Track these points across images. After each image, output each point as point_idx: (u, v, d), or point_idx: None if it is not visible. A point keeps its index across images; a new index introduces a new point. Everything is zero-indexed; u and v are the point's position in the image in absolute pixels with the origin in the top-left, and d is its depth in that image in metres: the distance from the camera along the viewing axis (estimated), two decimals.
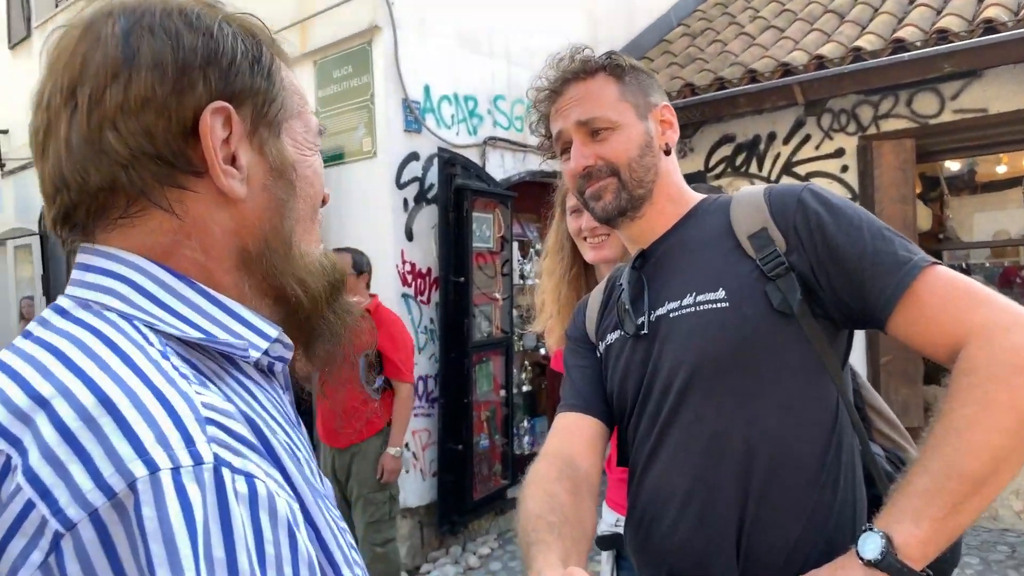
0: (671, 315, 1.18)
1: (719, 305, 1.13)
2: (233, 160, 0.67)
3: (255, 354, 0.66)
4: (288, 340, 0.72)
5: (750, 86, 5.29)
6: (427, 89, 4.88)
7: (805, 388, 1.10)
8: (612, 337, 1.31)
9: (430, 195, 4.88)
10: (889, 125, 5.10)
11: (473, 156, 5.17)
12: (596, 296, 1.43)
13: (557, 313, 2.02)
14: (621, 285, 1.32)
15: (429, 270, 4.92)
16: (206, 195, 0.66)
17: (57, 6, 7.87)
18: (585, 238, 1.92)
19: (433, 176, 4.88)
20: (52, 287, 8.28)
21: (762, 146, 5.67)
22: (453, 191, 4.87)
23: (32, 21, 8.48)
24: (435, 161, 4.89)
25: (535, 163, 5.68)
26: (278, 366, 0.72)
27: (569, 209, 1.97)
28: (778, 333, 1.10)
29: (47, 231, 7.37)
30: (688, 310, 1.16)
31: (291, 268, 0.71)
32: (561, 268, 2.03)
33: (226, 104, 0.65)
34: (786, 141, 5.55)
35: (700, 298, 1.15)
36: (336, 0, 4.80)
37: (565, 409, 1.32)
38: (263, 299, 0.71)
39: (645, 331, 1.21)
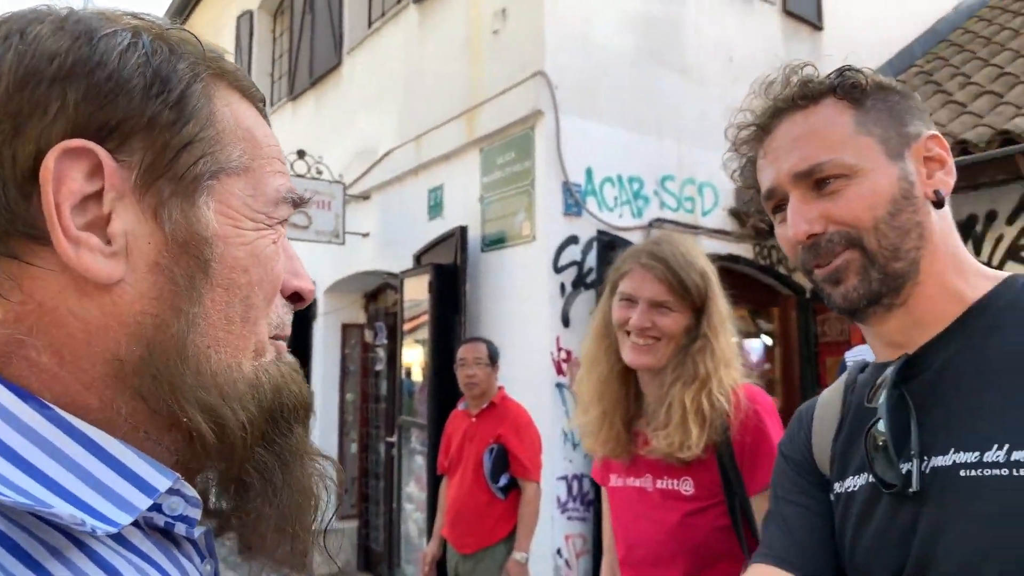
0: (961, 473, 0.78)
1: None
2: (107, 225, 0.47)
3: (121, 519, 0.45)
4: (192, 492, 0.50)
5: (963, 158, 4.61)
6: (589, 172, 4.74)
7: None
8: (856, 483, 0.92)
9: (588, 279, 4.66)
10: None
11: (637, 239, 4.90)
12: (827, 407, 1.04)
13: (603, 415, 1.65)
14: (871, 407, 0.91)
15: None
16: (60, 273, 0.46)
17: None
18: (628, 333, 1.58)
19: (592, 260, 4.67)
20: None
21: (979, 227, 4.89)
22: None
23: None
24: (594, 244, 4.68)
25: (708, 246, 5.30)
26: (181, 527, 0.50)
27: (620, 294, 1.62)
28: None
29: None
30: (994, 472, 0.75)
31: (187, 388, 0.49)
32: (608, 359, 1.66)
33: (88, 145, 0.46)
34: (1009, 221, 4.75)
35: (1019, 455, 0.74)
36: (501, 88, 4.86)
37: (768, 560, 0.97)
38: (159, 431, 0.50)
39: (914, 488, 0.81)
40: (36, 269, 0.46)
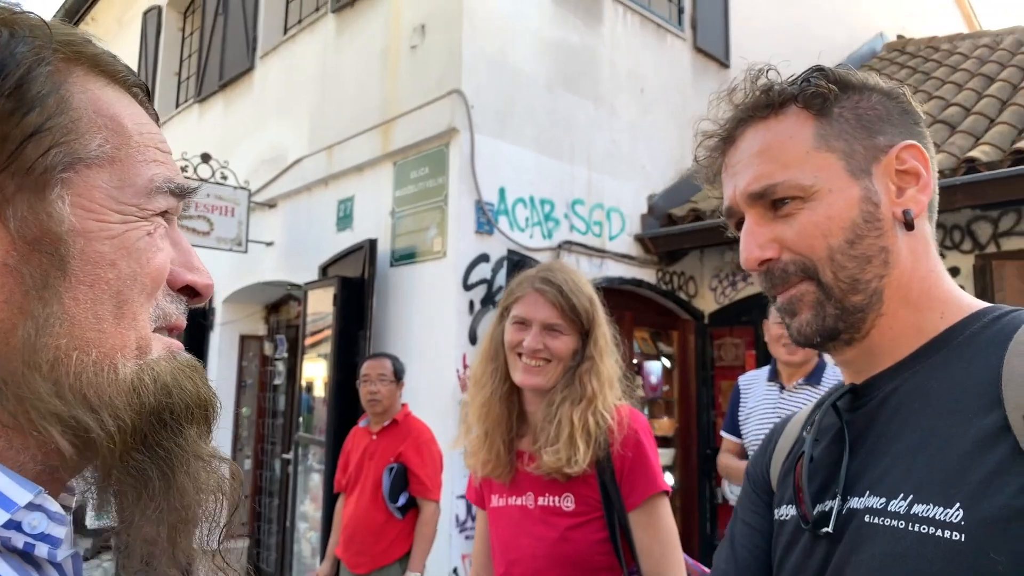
0: (866, 518, 0.72)
1: (946, 535, 0.65)
2: None
3: None
4: (56, 508, 0.46)
5: None
6: (502, 191, 4.78)
7: None
8: (787, 512, 0.87)
9: (497, 298, 4.68)
10: (1012, 244, 4.57)
11: (546, 259, 4.97)
12: (794, 425, 0.99)
13: (484, 435, 1.68)
14: (809, 428, 0.86)
15: None
16: None
17: None
18: (520, 355, 1.63)
19: (502, 278, 4.69)
20: None
21: None
22: None
23: None
24: (504, 263, 4.71)
25: (614, 270, 5.43)
26: (43, 549, 0.46)
27: (513, 318, 1.67)
28: None
29: None
30: (893, 523, 0.69)
31: (39, 398, 0.45)
32: (493, 382, 1.70)
33: None
34: None
35: (919, 509, 0.68)
36: (418, 103, 4.84)
37: None
38: (22, 440, 0.46)
39: (829, 529, 0.76)
40: None
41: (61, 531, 0.47)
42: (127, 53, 9.18)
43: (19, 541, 0.45)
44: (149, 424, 0.50)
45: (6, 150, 0.45)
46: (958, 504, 0.65)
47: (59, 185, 0.47)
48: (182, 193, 0.55)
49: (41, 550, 0.46)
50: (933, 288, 0.80)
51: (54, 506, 0.46)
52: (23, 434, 0.46)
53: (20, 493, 0.44)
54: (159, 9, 9.07)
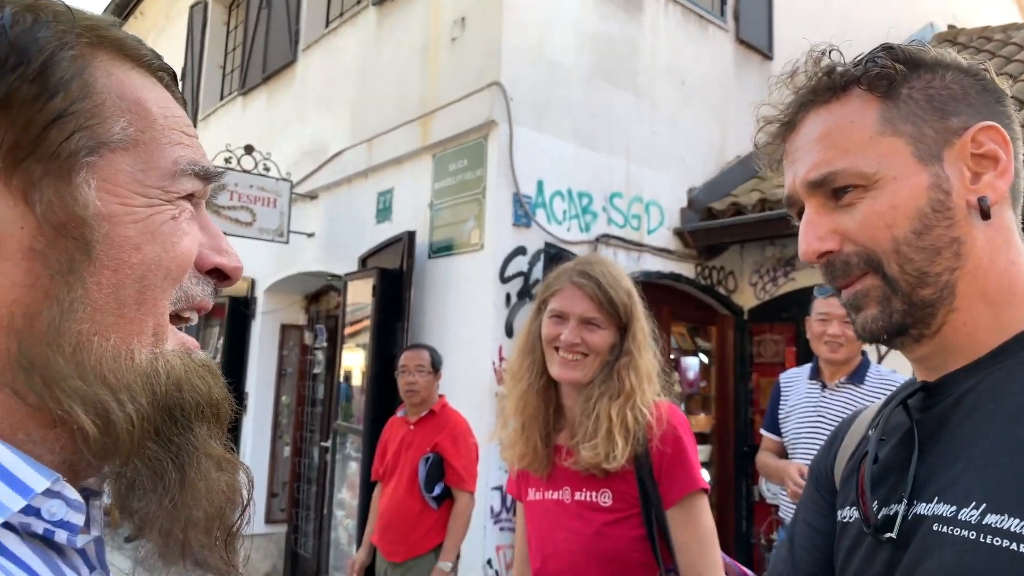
0: (935, 527, 0.68)
1: (1021, 549, 0.60)
2: None
3: None
4: (74, 495, 0.46)
5: None
6: (540, 184, 4.77)
7: None
8: (850, 514, 0.83)
9: (534, 291, 4.67)
10: None
11: (584, 252, 4.95)
12: (862, 422, 0.93)
13: (521, 428, 1.68)
14: (876, 426, 0.81)
15: None
16: None
17: None
18: (557, 348, 1.62)
19: (539, 271, 4.69)
20: None
21: None
22: None
23: None
24: (541, 256, 4.71)
25: (652, 263, 5.39)
26: (62, 535, 0.46)
27: (551, 311, 1.66)
28: None
29: None
30: (963, 533, 0.65)
31: (64, 380, 0.46)
32: (530, 375, 1.70)
33: None
34: None
35: (992, 519, 0.63)
36: (457, 95, 4.86)
37: None
38: (41, 428, 0.47)
39: (892, 535, 0.72)
40: None
41: (79, 518, 0.47)
42: (174, 46, 9.37)
43: (38, 527, 0.46)
44: (161, 416, 0.50)
45: (31, 135, 0.46)
46: None
47: (84, 169, 0.48)
48: (207, 176, 0.55)
49: (60, 536, 0.47)
50: (1016, 283, 0.74)
51: (72, 493, 0.47)
52: (43, 426, 0.47)
53: (38, 480, 0.45)
54: (205, 3, 9.23)
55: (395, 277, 4.96)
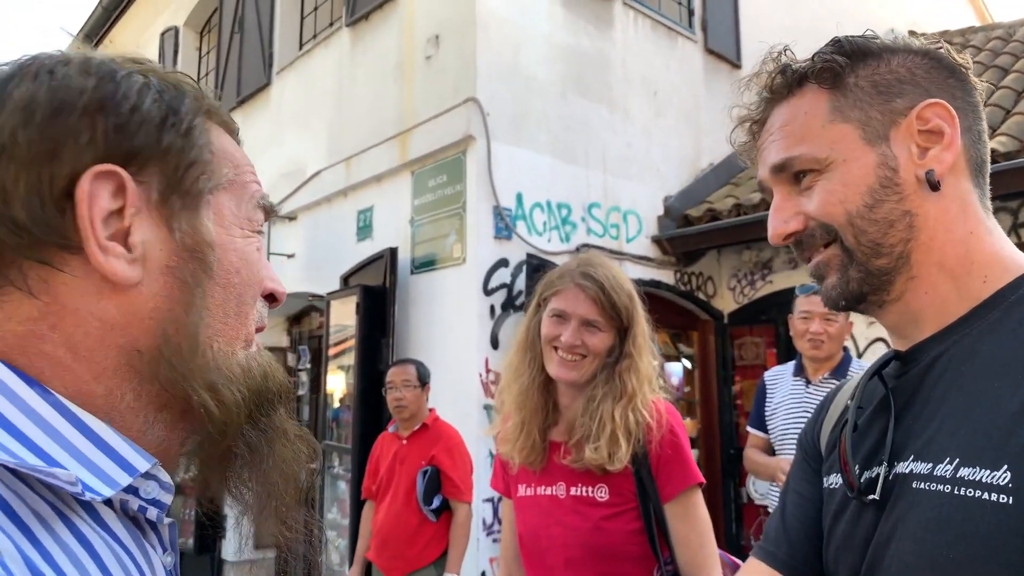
0: (914, 484, 0.72)
1: (993, 498, 0.64)
2: (126, 236, 0.54)
3: (105, 491, 0.50)
4: (166, 478, 0.55)
5: None
6: (519, 197, 4.82)
7: None
8: (835, 481, 0.87)
9: (517, 302, 4.72)
10: None
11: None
12: (845, 392, 0.99)
13: (521, 423, 1.70)
14: (855, 397, 0.87)
15: None
16: (84, 278, 0.53)
17: None
18: (556, 348, 1.65)
19: (521, 283, 4.74)
20: None
21: None
22: None
23: None
24: (524, 267, 4.76)
25: (632, 272, 5.45)
26: (153, 512, 0.55)
27: (552, 310, 1.67)
28: None
29: None
30: (939, 487, 0.69)
31: (197, 370, 0.57)
32: (531, 371, 1.72)
33: (116, 169, 0.53)
34: None
35: (965, 472, 0.67)
36: (434, 112, 4.91)
37: (760, 555, 0.95)
38: (159, 413, 0.57)
39: (875, 496, 0.76)
40: (64, 275, 0.52)
41: (169, 498, 0.56)
42: None
43: (135, 504, 0.54)
44: (254, 403, 0.61)
45: (176, 177, 0.57)
46: (1006, 467, 0.63)
47: (207, 205, 0.59)
48: (269, 209, 0.68)
49: (152, 513, 0.55)
50: (974, 252, 0.78)
51: (165, 477, 0.55)
52: (160, 410, 0.56)
53: (141, 461, 0.53)
54: (176, 29, 9.23)
55: (378, 294, 4.97)
